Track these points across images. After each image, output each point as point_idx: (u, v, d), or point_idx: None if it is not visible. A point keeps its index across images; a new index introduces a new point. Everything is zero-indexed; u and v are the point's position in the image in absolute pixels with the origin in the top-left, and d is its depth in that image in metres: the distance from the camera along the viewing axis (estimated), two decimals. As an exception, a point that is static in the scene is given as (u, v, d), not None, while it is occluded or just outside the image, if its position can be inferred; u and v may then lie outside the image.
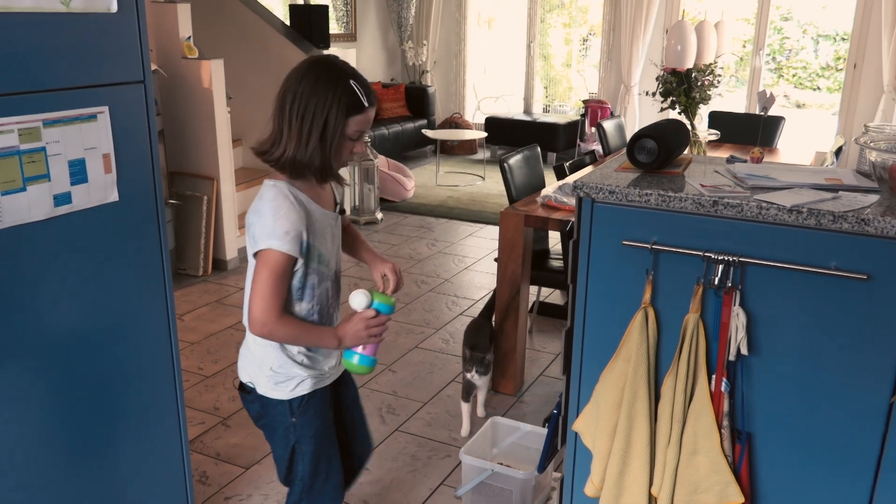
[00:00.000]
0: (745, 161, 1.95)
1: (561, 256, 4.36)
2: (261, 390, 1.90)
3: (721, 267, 1.57)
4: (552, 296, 5.07)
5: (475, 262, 5.67)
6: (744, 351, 1.58)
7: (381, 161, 7.18)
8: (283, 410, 1.91)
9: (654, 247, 1.62)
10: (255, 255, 1.73)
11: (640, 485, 1.68)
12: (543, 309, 4.71)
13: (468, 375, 3.13)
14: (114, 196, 2.05)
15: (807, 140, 8.96)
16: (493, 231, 6.36)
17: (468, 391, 3.18)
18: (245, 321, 1.86)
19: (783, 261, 1.53)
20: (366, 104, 1.73)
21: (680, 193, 1.61)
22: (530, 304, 4.39)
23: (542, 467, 2.04)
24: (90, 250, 2.03)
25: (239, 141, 6.46)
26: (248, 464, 3.13)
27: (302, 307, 1.85)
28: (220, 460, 3.15)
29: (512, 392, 3.68)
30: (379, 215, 6.72)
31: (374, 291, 1.84)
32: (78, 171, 1.93)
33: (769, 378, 1.61)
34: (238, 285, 5.20)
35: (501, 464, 2.11)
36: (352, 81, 1.70)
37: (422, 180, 8.23)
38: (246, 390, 1.96)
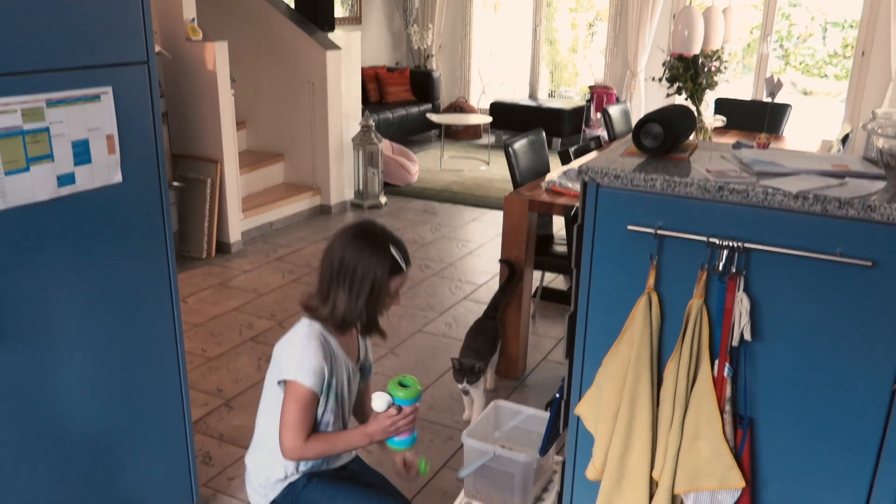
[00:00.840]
0: (752, 147, 1.94)
1: (565, 241, 4.35)
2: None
3: (726, 252, 1.56)
4: (555, 281, 5.07)
5: (479, 247, 5.67)
6: (747, 336, 1.57)
7: (386, 145, 7.16)
8: (283, 496, 2.01)
9: (658, 232, 1.61)
10: (281, 384, 1.91)
11: (642, 468, 1.69)
12: (547, 294, 4.71)
13: (459, 386, 3.05)
14: (117, 177, 2.05)
15: (813, 128, 8.91)
16: (496, 216, 6.35)
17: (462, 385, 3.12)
18: (253, 448, 2.04)
19: (788, 247, 1.52)
20: (404, 267, 1.96)
21: (685, 178, 1.60)
22: (534, 290, 4.39)
23: (544, 450, 2.04)
24: (94, 232, 2.03)
25: (243, 124, 6.45)
26: (250, 445, 3.14)
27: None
28: (223, 441, 3.17)
29: (515, 376, 3.69)
30: (383, 199, 6.72)
31: (394, 387, 1.92)
32: (81, 152, 1.92)
33: (772, 364, 1.61)
34: (241, 268, 5.20)
35: (504, 447, 2.12)
36: (392, 248, 1.94)
37: (426, 165, 8.22)
38: None
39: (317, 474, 2.05)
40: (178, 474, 2.49)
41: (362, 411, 2.18)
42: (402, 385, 1.94)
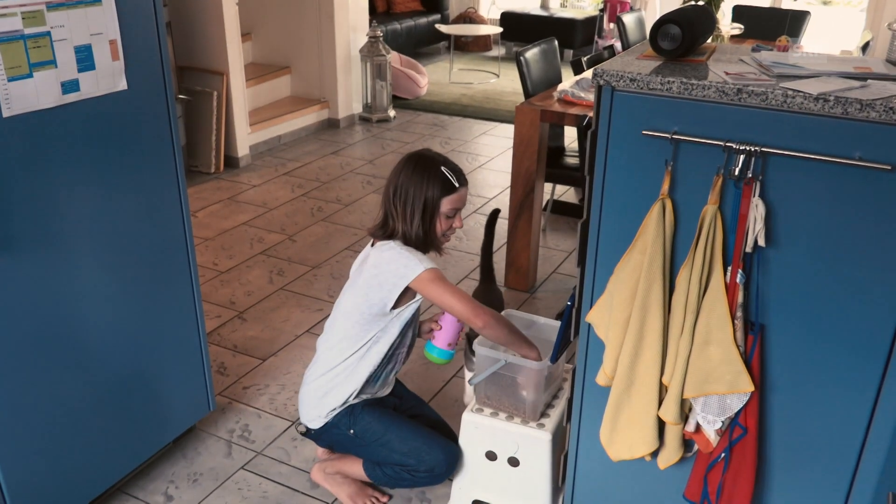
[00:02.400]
0: (771, 50, 1.88)
1: (576, 154, 4.31)
2: (318, 424, 2.22)
3: (742, 157, 1.53)
4: (566, 194, 5.04)
5: (489, 161, 5.62)
6: (761, 242, 1.56)
7: (394, 57, 7.03)
8: (340, 417, 2.18)
9: (674, 137, 1.58)
10: (406, 290, 2.04)
11: (652, 374, 1.70)
12: (557, 207, 4.69)
13: (469, 373, 2.46)
14: (122, 84, 2.02)
15: (832, 37, 8.67)
16: (507, 129, 6.27)
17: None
18: (319, 370, 2.19)
19: (806, 151, 1.49)
20: (456, 185, 2.08)
21: (703, 81, 1.56)
22: (544, 203, 4.37)
23: (554, 358, 2.06)
24: (102, 141, 2.01)
25: (248, 35, 6.33)
26: (264, 355, 3.20)
27: (375, 351, 2.15)
28: (237, 352, 3.22)
29: (525, 288, 3.71)
30: (391, 113, 6.64)
31: None
32: (85, 58, 1.89)
33: (785, 270, 1.60)
34: (250, 182, 5.18)
35: (515, 354, 2.14)
36: (443, 168, 2.06)
37: (435, 77, 8.08)
38: (310, 434, 2.27)
39: (370, 402, 2.19)
40: (195, 384, 2.54)
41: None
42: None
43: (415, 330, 2.23)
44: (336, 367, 2.16)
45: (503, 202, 4.67)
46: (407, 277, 2.02)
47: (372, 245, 2.14)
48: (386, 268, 2.04)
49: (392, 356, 2.19)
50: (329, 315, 2.27)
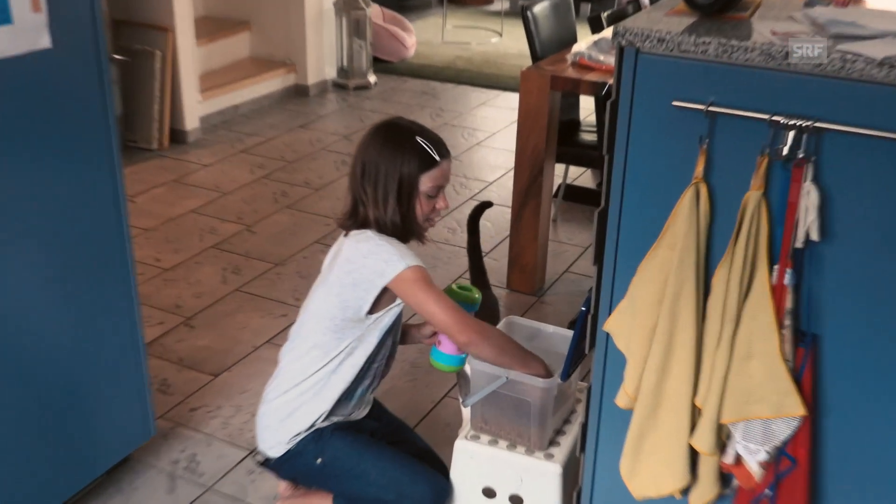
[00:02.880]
0: (828, 5, 1.88)
1: (594, 128, 4.31)
2: (279, 451, 2.20)
3: (792, 134, 1.53)
4: (582, 177, 5.05)
5: (488, 137, 5.63)
6: (814, 236, 1.56)
7: (375, 11, 7.02)
8: (306, 444, 2.17)
9: (710, 109, 1.58)
10: (386, 288, 2.04)
11: (682, 394, 1.69)
12: (571, 193, 4.70)
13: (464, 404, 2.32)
14: (45, 41, 2.01)
15: (903, -10, 8.67)
16: (510, 99, 6.28)
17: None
18: (281, 387, 2.19)
19: (868, 126, 1.49)
20: (437, 158, 2.06)
21: (746, 42, 1.56)
22: (555, 188, 4.37)
23: (565, 375, 2.06)
24: (19, 110, 2.00)
25: (198, -17, 6.32)
26: (216, 370, 3.20)
27: (349, 364, 2.17)
28: (183, 366, 3.22)
29: (531, 290, 3.73)
30: (372, 78, 6.63)
31: (456, 290, 2.37)
32: (-1, 9, 1.88)
33: (843, 269, 1.60)
34: (201, 161, 5.17)
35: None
36: (419, 138, 2.04)
37: (424, 36, 8.08)
38: (269, 463, 2.25)
39: (342, 426, 2.19)
40: (131, 405, 2.53)
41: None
42: (463, 289, 2.29)
43: (396, 338, 2.24)
44: (302, 382, 2.16)
45: (506, 187, 4.67)
46: (385, 275, 2.02)
47: (346, 235, 2.13)
48: (362, 263, 2.04)
49: (369, 370, 2.19)
50: (295, 321, 2.27)
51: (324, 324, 2.11)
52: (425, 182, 2.06)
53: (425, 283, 2.01)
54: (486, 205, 2.90)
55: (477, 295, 2.31)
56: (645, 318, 1.72)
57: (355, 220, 2.11)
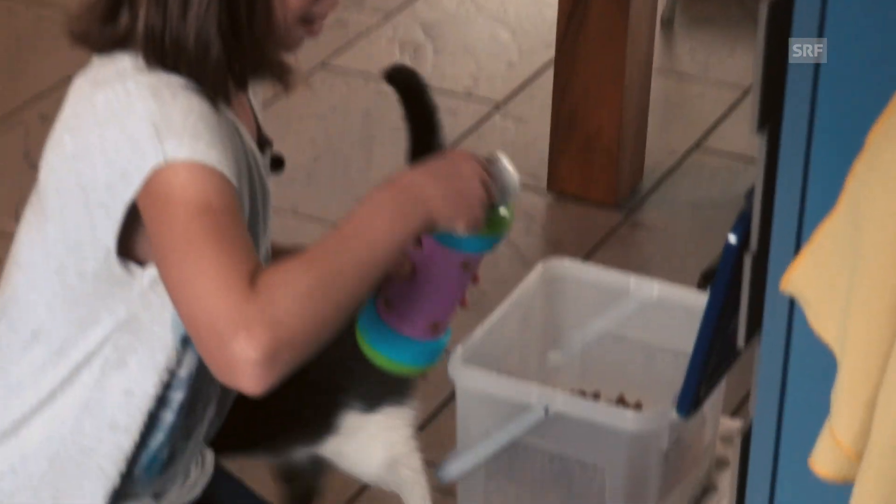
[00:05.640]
0: None
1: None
2: None
3: None
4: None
5: None
6: None
7: None
8: None
9: None
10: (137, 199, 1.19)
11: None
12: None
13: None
14: None
15: None
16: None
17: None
18: None
19: None
20: None
21: None
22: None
23: (689, 402, 1.27)
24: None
25: None
26: None
27: (115, 384, 1.29)
28: None
29: (609, 197, 2.54)
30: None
31: None
32: None
33: None
34: None
35: (581, 392, 1.52)
36: None
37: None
38: None
39: None
40: None
41: None
42: None
43: (259, 222, 1.43)
44: (15, 424, 1.34)
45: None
46: (130, 177, 1.16)
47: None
48: (93, 139, 1.23)
49: (166, 404, 1.35)
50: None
51: (47, 286, 1.30)
52: None
53: (202, 208, 1.15)
54: (404, 74, 1.85)
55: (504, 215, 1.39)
56: (886, 271, 0.99)
57: (114, 28, 1.25)
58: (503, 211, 1.28)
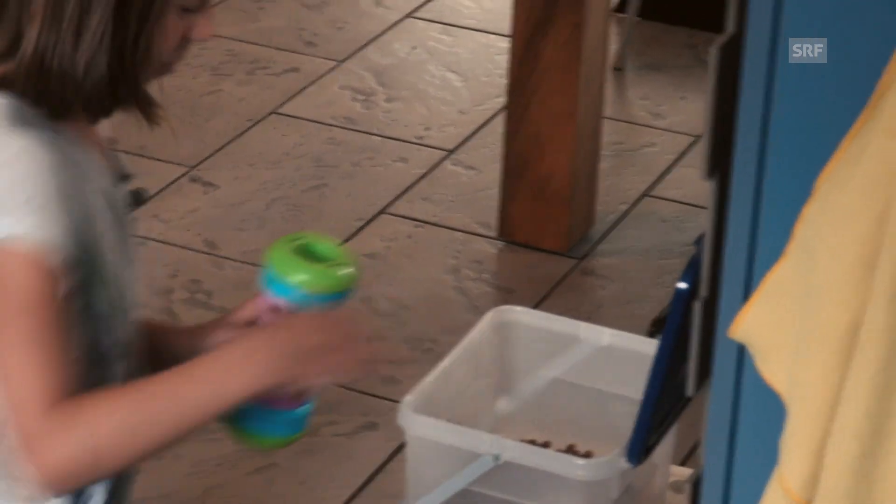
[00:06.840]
0: None
1: None
2: None
3: None
4: None
5: None
6: None
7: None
8: None
9: None
10: None
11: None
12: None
13: None
14: None
15: None
16: None
17: None
18: None
19: None
20: None
21: None
22: None
23: (636, 451, 1.28)
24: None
25: None
26: None
27: None
28: None
29: (562, 245, 2.60)
30: None
31: (288, 256, 1.31)
32: None
33: None
34: None
35: (531, 440, 1.49)
36: None
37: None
38: None
39: None
40: None
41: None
42: (309, 253, 1.30)
43: (121, 270, 1.33)
44: None
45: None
46: None
47: None
48: None
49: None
50: None
51: None
52: None
53: (23, 301, 1.13)
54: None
55: (344, 265, 1.35)
56: (836, 313, 0.97)
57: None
58: (345, 269, 1.29)
